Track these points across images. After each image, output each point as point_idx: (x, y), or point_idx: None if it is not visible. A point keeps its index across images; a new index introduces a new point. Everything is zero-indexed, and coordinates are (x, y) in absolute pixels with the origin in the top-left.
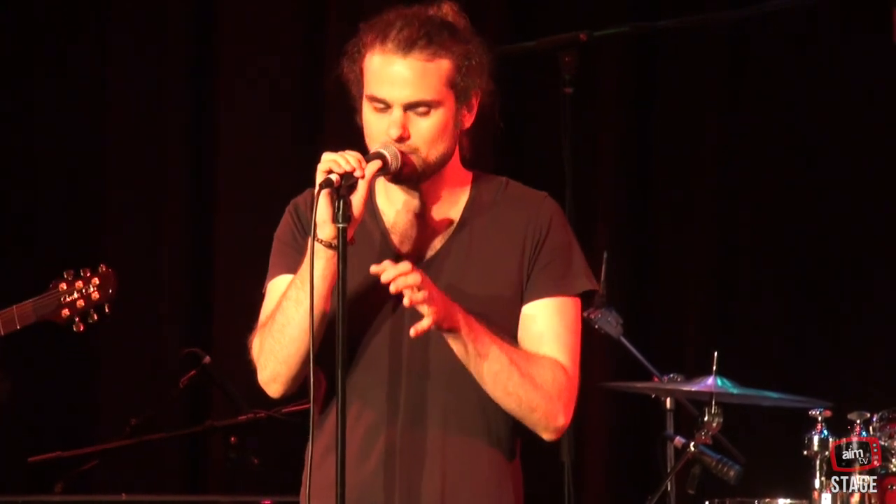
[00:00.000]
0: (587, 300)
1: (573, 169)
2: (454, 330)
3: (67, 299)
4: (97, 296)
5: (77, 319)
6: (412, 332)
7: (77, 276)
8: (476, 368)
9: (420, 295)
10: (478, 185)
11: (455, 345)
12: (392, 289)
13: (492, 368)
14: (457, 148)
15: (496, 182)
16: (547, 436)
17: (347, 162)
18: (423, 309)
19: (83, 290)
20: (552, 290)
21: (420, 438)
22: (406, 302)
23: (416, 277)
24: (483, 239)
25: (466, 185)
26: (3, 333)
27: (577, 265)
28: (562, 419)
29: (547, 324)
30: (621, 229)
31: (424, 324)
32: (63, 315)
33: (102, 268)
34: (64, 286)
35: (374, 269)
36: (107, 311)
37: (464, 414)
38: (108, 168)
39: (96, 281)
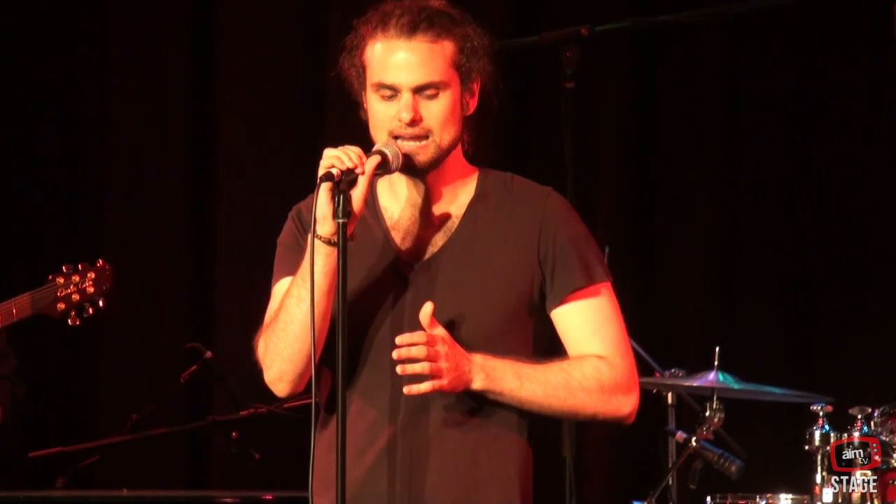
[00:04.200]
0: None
1: (574, 164)
2: (472, 386)
3: (63, 293)
4: (92, 290)
5: (73, 313)
6: (405, 390)
7: (74, 270)
8: (519, 407)
9: (421, 367)
10: (483, 180)
11: (487, 395)
12: (394, 355)
13: (533, 402)
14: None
15: (501, 178)
16: (622, 424)
17: (349, 158)
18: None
19: (79, 284)
20: (577, 284)
21: (421, 435)
22: (399, 370)
23: (421, 350)
24: (486, 236)
25: (471, 180)
26: (0, 326)
27: (594, 255)
28: (627, 407)
29: (581, 321)
30: (622, 224)
31: (423, 387)
32: (59, 308)
33: (100, 262)
34: (61, 280)
35: (398, 339)
36: (101, 305)
37: (464, 412)
38: (110, 164)
39: (92, 275)
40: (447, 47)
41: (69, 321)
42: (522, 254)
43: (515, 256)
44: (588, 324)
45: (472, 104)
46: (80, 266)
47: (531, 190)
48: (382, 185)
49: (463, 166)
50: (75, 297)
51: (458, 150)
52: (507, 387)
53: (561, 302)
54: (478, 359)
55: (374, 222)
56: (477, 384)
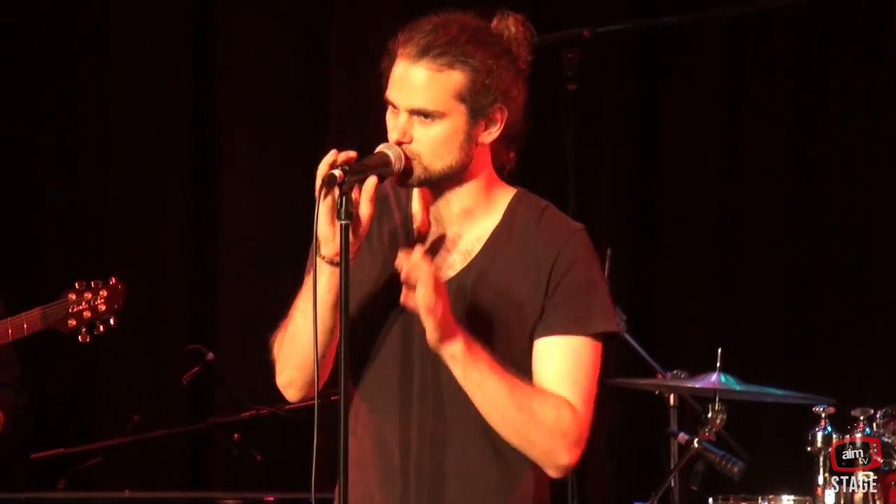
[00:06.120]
0: (609, 342)
1: (575, 165)
2: (450, 343)
3: (75, 309)
4: (104, 308)
5: (83, 330)
6: (402, 299)
7: (87, 287)
8: (472, 393)
9: (421, 288)
10: (514, 206)
11: (452, 366)
12: (402, 275)
13: (489, 396)
14: (488, 161)
15: (536, 206)
16: (551, 473)
17: (346, 154)
18: (421, 305)
19: (91, 301)
20: (565, 329)
21: (432, 451)
22: (403, 298)
23: (426, 271)
24: (506, 266)
25: (500, 202)
26: (11, 339)
27: (598, 305)
28: (565, 458)
29: (558, 362)
30: (624, 225)
31: (417, 307)
32: (69, 325)
33: (112, 280)
34: (73, 296)
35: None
36: (112, 323)
37: (477, 427)
38: (110, 165)
39: (104, 293)
40: (454, 78)
41: (79, 338)
42: (534, 289)
43: (529, 291)
44: (564, 368)
45: (491, 133)
46: (92, 283)
47: (560, 225)
48: (415, 196)
49: (490, 189)
50: (87, 314)
51: (485, 172)
52: (480, 368)
53: (547, 336)
54: (461, 330)
55: (401, 231)
56: (457, 347)
